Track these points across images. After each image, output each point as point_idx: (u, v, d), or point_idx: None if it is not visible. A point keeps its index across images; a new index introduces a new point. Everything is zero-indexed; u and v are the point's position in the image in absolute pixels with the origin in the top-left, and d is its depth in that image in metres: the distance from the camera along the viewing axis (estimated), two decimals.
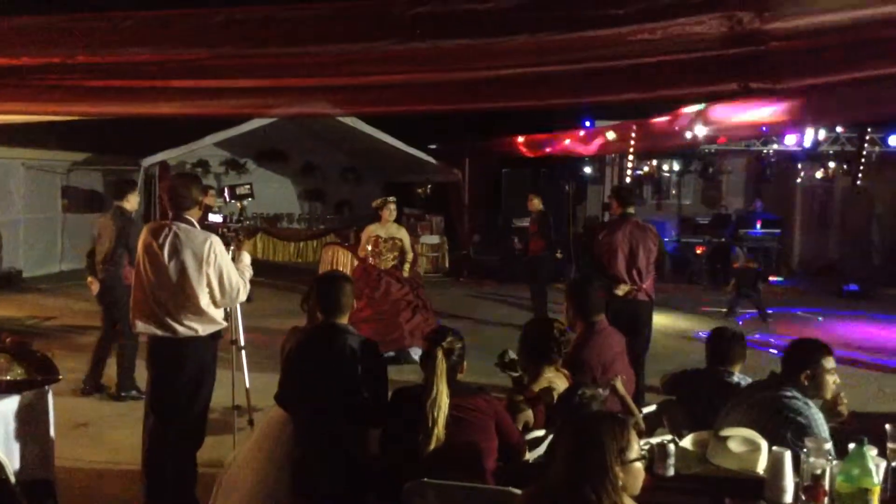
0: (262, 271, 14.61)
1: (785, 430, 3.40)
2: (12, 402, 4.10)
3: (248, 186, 5.64)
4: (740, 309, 11.80)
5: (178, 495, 4.61)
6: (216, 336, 4.65)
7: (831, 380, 3.64)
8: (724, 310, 11.87)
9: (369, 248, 8.77)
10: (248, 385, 5.28)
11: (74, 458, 5.35)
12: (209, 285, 4.44)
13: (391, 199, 8.98)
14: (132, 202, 7.11)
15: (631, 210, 7.14)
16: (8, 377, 4.18)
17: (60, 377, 4.64)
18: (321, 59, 3.88)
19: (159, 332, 4.50)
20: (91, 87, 4.19)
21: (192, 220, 4.56)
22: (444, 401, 3.38)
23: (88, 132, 13.20)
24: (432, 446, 3.33)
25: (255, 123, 15.30)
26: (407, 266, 8.82)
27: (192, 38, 3.62)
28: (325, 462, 3.68)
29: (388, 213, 8.76)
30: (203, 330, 4.51)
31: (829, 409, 3.71)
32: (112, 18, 3.41)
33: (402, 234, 8.87)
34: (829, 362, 3.65)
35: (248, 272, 4.82)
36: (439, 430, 3.34)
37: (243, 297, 4.64)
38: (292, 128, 17.49)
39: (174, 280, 4.41)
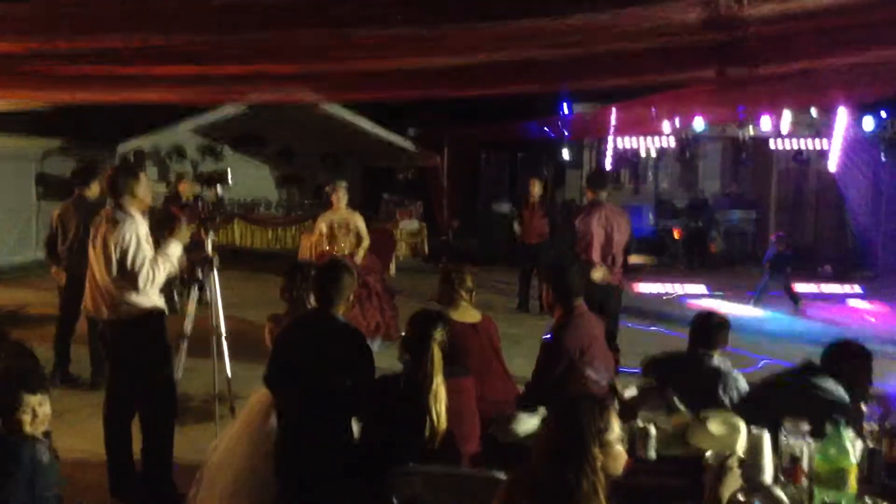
0: (241, 259, 14.57)
1: (823, 407, 3.46)
2: None
3: (220, 172, 5.53)
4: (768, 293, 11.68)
5: (154, 484, 4.66)
6: (150, 317, 4.67)
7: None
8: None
9: (324, 231, 8.64)
10: (228, 373, 5.28)
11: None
12: (117, 266, 4.54)
13: (341, 183, 8.91)
14: (94, 190, 7.03)
15: (603, 195, 7.21)
16: None
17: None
18: (300, 45, 3.87)
19: (98, 316, 4.76)
20: (69, 73, 4.16)
21: (128, 207, 4.64)
22: (442, 392, 3.41)
23: (62, 118, 12.99)
24: (438, 438, 3.35)
25: (232, 109, 15.17)
26: (361, 252, 8.68)
27: (172, 24, 3.60)
28: (314, 448, 3.67)
29: (338, 199, 8.69)
30: (127, 312, 4.60)
31: None
32: (91, 5, 3.38)
33: (356, 218, 8.75)
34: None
35: (166, 263, 4.67)
36: (442, 420, 3.36)
37: (144, 283, 4.55)
38: (269, 113, 17.33)
39: (97, 263, 4.63)
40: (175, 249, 4.76)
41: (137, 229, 4.58)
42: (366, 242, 8.78)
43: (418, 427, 3.36)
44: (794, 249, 12.64)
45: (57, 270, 7.01)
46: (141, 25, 3.56)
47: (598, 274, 6.82)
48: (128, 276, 4.52)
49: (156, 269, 4.60)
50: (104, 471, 4.76)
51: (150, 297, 4.66)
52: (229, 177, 5.44)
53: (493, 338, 4.58)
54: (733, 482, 2.56)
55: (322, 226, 8.70)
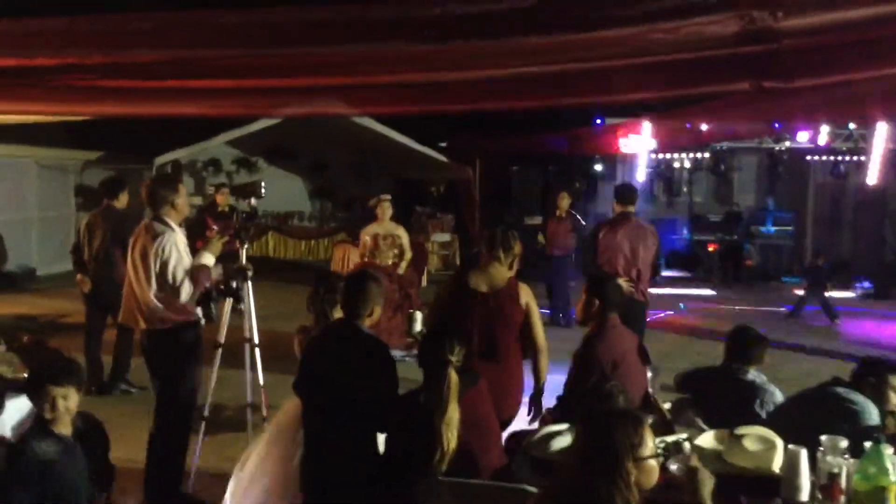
0: (274, 269, 14.69)
1: (835, 415, 3.42)
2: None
3: (253, 184, 5.58)
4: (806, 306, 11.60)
5: (160, 492, 4.72)
6: (187, 327, 4.73)
7: (895, 398, 3.67)
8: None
9: (368, 243, 8.80)
10: (261, 383, 5.31)
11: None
12: (156, 277, 4.59)
13: (385, 196, 9.07)
14: (122, 200, 7.21)
15: (631, 209, 7.11)
16: (26, 375, 4.22)
17: None
18: (333, 59, 3.90)
19: (133, 325, 4.88)
20: (106, 87, 4.24)
21: (167, 218, 4.72)
22: (455, 417, 3.37)
23: (102, 131, 13.25)
24: (447, 461, 3.33)
25: (266, 122, 15.32)
26: (404, 264, 8.89)
27: (206, 39, 3.65)
28: (336, 457, 3.67)
29: (383, 212, 8.84)
30: (164, 321, 4.65)
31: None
32: (127, 20, 3.44)
33: (400, 232, 8.95)
34: None
35: (205, 273, 4.72)
36: (452, 444, 3.34)
37: (184, 294, 4.61)
38: (303, 126, 17.49)
39: (135, 273, 4.68)
40: (208, 260, 4.82)
41: (177, 241, 4.66)
42: (408, 255, 8.93)
43: (431, 447, 3.34)
44: (831, 264, 12.45)
45: (82, 278, 7.14)
46: (177, 41, 3.62)
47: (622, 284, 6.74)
48: (167, 288, 4.59)
49: (193, 280, 4.67)
50: (140, 478, 4.81)
51: (188, 307, 4.72)
52: (262, 189, 5.48)
53: (503, 311, 4.45)
54: (708, 480, 2.53)
55: (367, 238, 8.81)
